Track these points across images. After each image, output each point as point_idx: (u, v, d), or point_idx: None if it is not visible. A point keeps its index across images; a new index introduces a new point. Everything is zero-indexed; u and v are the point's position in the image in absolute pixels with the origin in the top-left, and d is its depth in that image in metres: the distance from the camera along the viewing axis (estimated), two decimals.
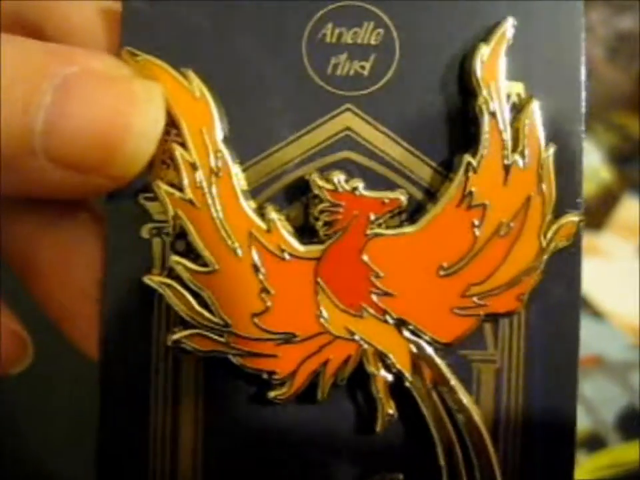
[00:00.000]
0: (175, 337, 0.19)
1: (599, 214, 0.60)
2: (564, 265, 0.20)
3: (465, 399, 0.20)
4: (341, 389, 0.20)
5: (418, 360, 0.19)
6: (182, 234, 0.19)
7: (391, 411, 0.19)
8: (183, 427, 0.20)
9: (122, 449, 0.20)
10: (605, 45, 0.65)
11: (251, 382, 0.20)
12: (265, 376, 0.19)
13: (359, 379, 0.20)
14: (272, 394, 0.19)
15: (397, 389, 0.20)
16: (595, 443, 0.45)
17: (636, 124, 0.64)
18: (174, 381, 0.20)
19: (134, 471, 0.20)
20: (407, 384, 0.19)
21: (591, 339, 0.50)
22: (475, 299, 0.19)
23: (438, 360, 0.19)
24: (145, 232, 0.20)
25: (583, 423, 0.46)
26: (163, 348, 0.20)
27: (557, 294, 0.20)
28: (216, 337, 0.19)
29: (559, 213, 0.20)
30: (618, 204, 0.59)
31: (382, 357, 0.19)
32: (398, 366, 0.19)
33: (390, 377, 0.19)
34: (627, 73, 0.63)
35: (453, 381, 0.20)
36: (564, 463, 0.20)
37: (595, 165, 0.62)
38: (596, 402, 0.47)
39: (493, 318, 0.20)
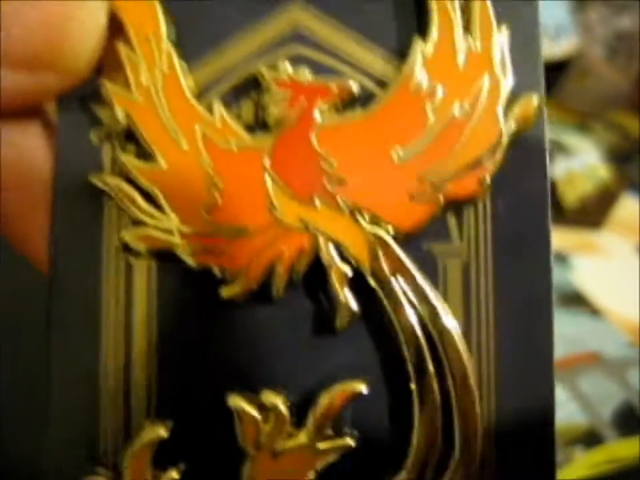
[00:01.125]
0: (125, 236, 0.19)
1: (597, 212, 0.60)
2: (528, 153, 0.19)
3: (428, 288, 0.19)
4: (299, 289, 0.19)
5: (376, 249, 0.18)
6: (131, 137, 0.19)
7: (351, 306, 0.18)
8: (136, 331, 0.19)
9: (72, 353, 0.19)
10: (604, 44, 0.65)
11: (204, 281, 0.19)
12: (217, 273, 0.18)
13: (317, 277, 0.19)
14: (225, 291, 0.18)
15: (357, 285, 0.19)
16: (592, 439, 0.45)
17: (635, 123, 0.64)
18: (126, 284, 0.19)
19: (85, 376, 0.19)
20: (366, 275, 0.18)
21: (589, 335, 0.50)
22: (433, 184, 0.19)
23: (397, 249, 0.19)
24: (94, 137, 0.19)
25: (580, 419, 0.46)
26: (113, 251, 0.19)
27: (523, 184, 0.19)
28: (166, 236, 0.19)
29: (516, 94, 0.19)
30: (617, 202, 0.60)
31: (338, 249, 0.19)
32: (355, 256, 0.18)
33: (348, 270, 0.18)
34: (626, 72, 0.63)
35: (415, 271, 0.19)
36: (543, 349, 0.19)
37: (593, 164, 0.62)
38: (593, 398, 0.47)
39: (455, 206, 0.19)
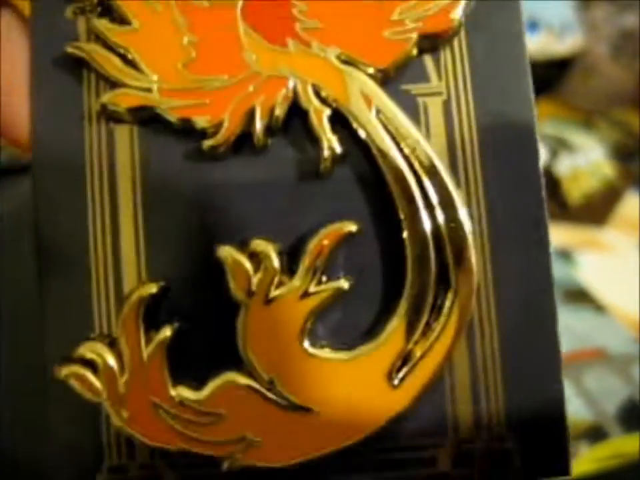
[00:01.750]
0: (104, 98, 0.19)
1: (601, 209, 0.60)
2: None
3: (410, 124, 0.18)
4: (281, 139, 0.19)
5: (354, 88, 0.18)
6: (105, 10, 0.19)
7: (334, 145, 0.18)
8: (121, 195, 0.19)
9: (59, 223, 0.19)
10: (608, 42, 0.66)
11: (185, 140, 0.19)
12: (199, 124, 0.18)
13: (299, 127, 0.19)
14: (207, 143, 0.18)
15: (339, 130, 0.19)
16: (597, 435, 0.46)
17: (638, 120, 0.64)
18: (108, 151, 0.19)
19: (73, 247, 0.19)
20: (347, 116, 0.18)
21: (594, 332, 0.50)
22: (405, 21, 0.19)
23: (376, 87, 0.18)
24: (69, 12, 0.20)
25: (585, 415, 0.47)
26: (94, 118, 0.19)
27: (498, 22, 0.19)
28: (145, 94, 0.19)
29: None
30: (621, 200, 0.60)
31: (317, 93, 0.19)
32: (334, 97, 0.18)
33: (328, 110, 0.18)
34: (631, 70, 0.64)
35: (395, 108, 0.18)
36: (529, 167, 0.18)
37: (598, 161, 0.62)
38: (598, 394, 0.48)
39: (432, 47, 0.19)
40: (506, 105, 0.19)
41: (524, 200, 0.19)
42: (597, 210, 0.59)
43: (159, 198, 0.19)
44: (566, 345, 0.19)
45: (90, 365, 0.18)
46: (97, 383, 0.18)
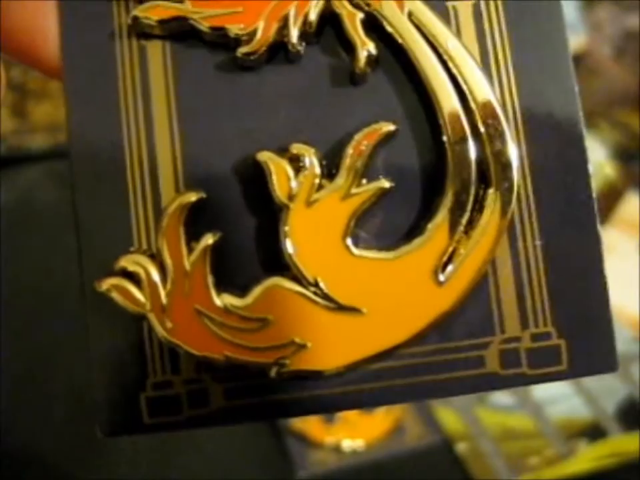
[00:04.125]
0: (136, 11, 0.19)
1: (602, 210, 0.61)
2: None
3: (442, 23, 0.19)
4: (314, 46, 0.19)
5: None
6: None
7: (368, 47, 0.18)
8: (156, 113, 0.19)
9: (93, 144, 0.19)
10: (612, 43, 0.66)
11: (218, 50, 0.19)
12: (232, 33, 0.18)
13: (330, 33, 0.19)
14: (241, 49, 0.18)
15: (374, 38, 0.19)
16: (596, 433, 0.47)
17: None
18: (140, 68, 0.19)
19: (109, 167, 0.19)
20: (381, 20, 0.18)
21: None
22: None
23: None
24: None
25: (584, 413, 0.47)
26: (125, 35, 0.19)
27: None
28: (177, 4, 0.19)
29: None
30: (621, 200, 0.61)
31: None
32: (367, 0, 0.18)
33: (360, 14, 0.18)
34: (633, 71, 0.64)
35: (424, 8, 0.19)
36: (565, 85, 0.19)
37: (599, 161, 0.63)
38: (597, 392, 0.48)
39: None
40: (536, 6, 0.19)
41: (558, 99, 0.19)
42: (597, 210, 0.60)
43: (194, 110, 0.19)
44: None
45: (130, 277, 0.18)
46: (139, 295, 0.18)
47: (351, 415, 0.46)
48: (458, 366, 0.18)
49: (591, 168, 0.19)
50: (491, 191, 0.18)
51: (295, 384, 0.18)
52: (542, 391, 0.48)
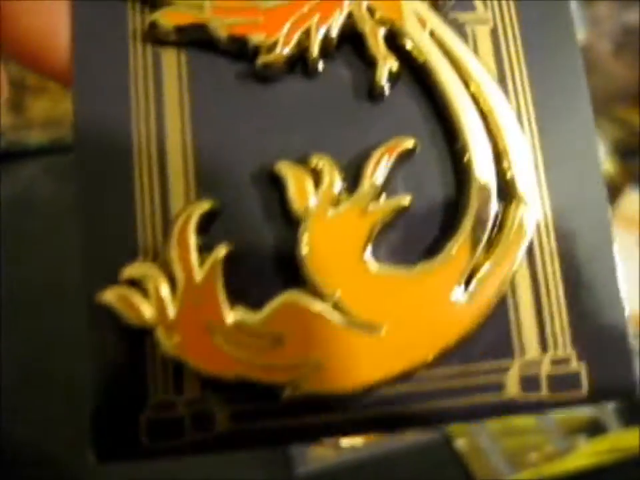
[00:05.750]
0: (153, 16, 0.18)
1: None
2: None
3: (462, 45, 0.19)
4: (336, 60, 0.19)
5: (409, 9, 0.19)
6: None
7: (390, 63, 0.18)
8: (169, 120, 0.18)
9: (102, 152, 0.18)
10: (611, 39, 0.66)
11: (235, 60, 0.18)
12: (251, 44, 0.18)
13: (350, 48, 0.19)
14: (262, 59, 0.18)
15: (392, 49, 0.19)
16: (596, 429, 0.47)
17: None
18: (154, 75, 0.18)
19: (118, 175, 0.18)
20: (402, 37, 0.18)
21: None
22: None
23: (429, 9, 0.19)
24: None
25: (583, 409, 0.47)
26: (140, 40, 0.18)
27: None
28: (196, 11, 0.18)
29: None
30: (621, 196, 0.61)
31: (371, 12, 0.19)
32: (389, 16, 0.18)
33: (383, 29, 0.18)
34: (633, 67, 0.64)
35: (446, 29, 0.19)
36: (580, 103, 0.19)
37: None
38: None
39: None
40: (551, 34, 0.19)
41: (574, 123, 0.19)
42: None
43: (208, 119, 0.18)
44: None
45: (135, 287, 0.17)
46: (146, 307, 0.17)
47: None
48: (477, 391, 0.18)
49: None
50: (511, 209, 0.18)
51: (309, 407, 0.17)
52: None
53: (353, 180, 0.18)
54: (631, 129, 0.64)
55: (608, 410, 0.47)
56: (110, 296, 0.17)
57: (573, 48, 0.19)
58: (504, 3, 0.19)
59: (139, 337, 0.17)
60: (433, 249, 0.18)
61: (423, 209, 0.18)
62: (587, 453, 0.45)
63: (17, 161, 0.50)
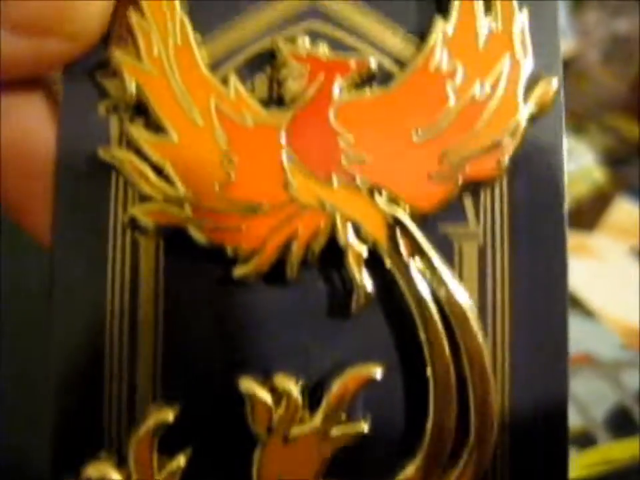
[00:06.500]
0: (134, 211, 0.18)
1: (591, 215, 0.60)
2: (545, 137, 0.19)
3: (445, 270, 0.18)
4: (313, 270, 0.18)
5: (394, 229, 0.18)
6: (140, 110, 0.18)
7: (367, 288, 0.18)
8: (141, 311, 0.18)
9: (75, 334, 0.18)
10: (600, 47, 0.65)
11: (214, 261, 0.18)
12: (230, 252, 0.18)
13: (331, 258, 0.18)
14: (238, 271, 0.18)
15: (372, 266, 0.18)
16: (585, 441, 0.46)
17: (630, 126, 0.64)
18: (131, 263, 0.18)
19: (89, 359, 0.18)
20: (383, 255, 0.18)
21: (582, 337, 0.50)
22: (452, 164, 0.18)
23: (415, 230, 0.18)
24: (102, 109, 0.19)
25: (573, 421, 0.46)
26: (119, 228, 0.18)
27: (540, 168, 0.19)
28: (177, 211, 0.18)
29: (535, 76, 0.19)
30: (610, 205, 0.60)
31: (355, 228, 0.18)
32: (372, 236, 0.18)
33: (364, 251, 0.18)
34: (622, 75, 0.63)
35: (432, 253, 0.18)
36: (558, 337, 0.18)
37: (588, 166, 0.62)
38: (586, 400, 0.47)
39: (472, 188, 0.19)
40: (541, 276, 0.19)
41: (548, 367, 0.19)
42: (586, 215, 0.59)
43: (181, 318, 0.18)
44: None
45: None
46: None
47: None
48: None
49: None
50: (468, 446, 0.18)
51: None
52: None
53: (317, 394, 0.18)
54: (621, 137, 0.62)
55: (597, 422, 0.47)
56: None
57: (562, 270, 0.19)
58: (497, 217, 0.19)
59: None
60: (388, 473, 0.18)
61: (383, 432, 0.18)
62: (577, 465, 0.45)
63: None
